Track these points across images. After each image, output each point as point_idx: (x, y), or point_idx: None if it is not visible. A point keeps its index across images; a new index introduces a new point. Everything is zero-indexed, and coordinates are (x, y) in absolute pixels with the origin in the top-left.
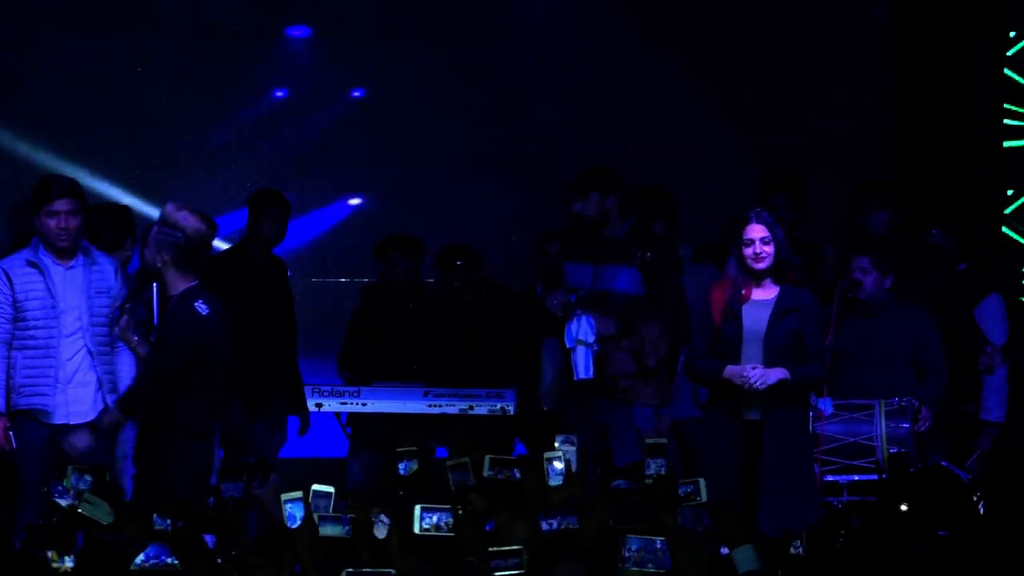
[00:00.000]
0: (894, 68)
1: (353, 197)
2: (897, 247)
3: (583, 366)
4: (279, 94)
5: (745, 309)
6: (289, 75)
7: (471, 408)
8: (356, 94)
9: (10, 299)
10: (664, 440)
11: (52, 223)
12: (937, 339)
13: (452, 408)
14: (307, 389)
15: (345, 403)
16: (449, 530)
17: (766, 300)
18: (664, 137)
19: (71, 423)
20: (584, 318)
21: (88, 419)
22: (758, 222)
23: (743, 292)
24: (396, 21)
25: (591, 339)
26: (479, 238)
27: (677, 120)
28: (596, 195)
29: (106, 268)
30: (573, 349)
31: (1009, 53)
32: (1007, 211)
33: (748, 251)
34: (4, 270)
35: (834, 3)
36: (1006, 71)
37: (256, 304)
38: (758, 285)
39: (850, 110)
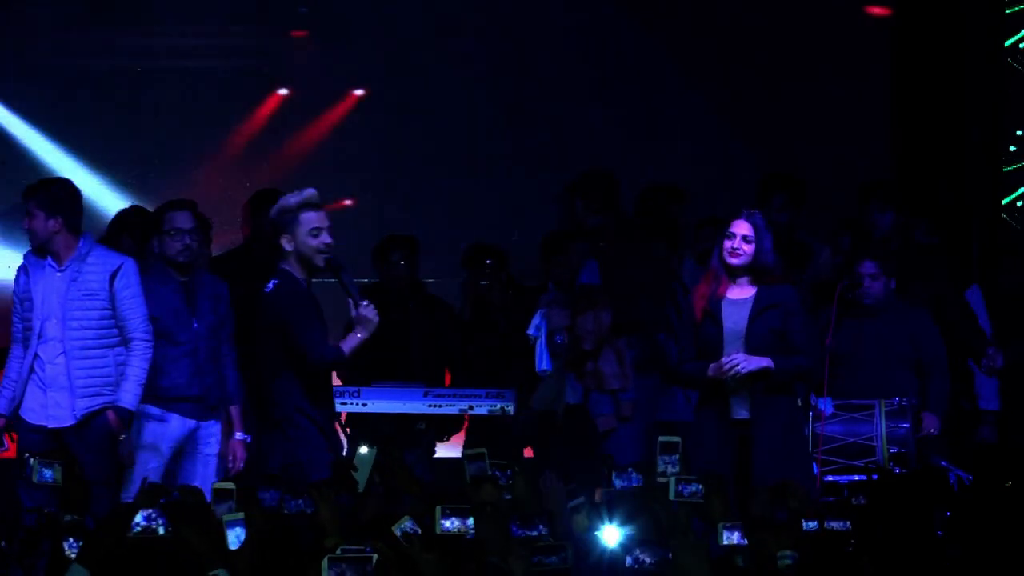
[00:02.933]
0: (894, 68)
1: (353, 197)
2: (899, 248)
3: (538, 358)
4: (279, 94)
5: (724, 309)
6: (289, 75)
7: (471, 408)
8: (356, 94)
9: (18, 299)
10: (677, 439)
11: (45, 224)
12: (939, 340)
13: (452, 408)
14: None
15: (345, 403)
16: (469, 531)
17: (744, 299)
18: (665, 137)
19: (48, 427)
20: (537, 313)
21: (67, 424)
22: (746, 220)
23: (719, 289)
24: (396, 21)
25: (539, 333)
26: (480, 238)
27: (677, 120)
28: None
29: (100, 269)
30: (533, 345)
31: (1007, 43)
32: (1005, 201)
33: (727, 244)
34: (17, 269)
35: (834, 3)
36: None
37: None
38: (735, 283)
39: (850, 110)
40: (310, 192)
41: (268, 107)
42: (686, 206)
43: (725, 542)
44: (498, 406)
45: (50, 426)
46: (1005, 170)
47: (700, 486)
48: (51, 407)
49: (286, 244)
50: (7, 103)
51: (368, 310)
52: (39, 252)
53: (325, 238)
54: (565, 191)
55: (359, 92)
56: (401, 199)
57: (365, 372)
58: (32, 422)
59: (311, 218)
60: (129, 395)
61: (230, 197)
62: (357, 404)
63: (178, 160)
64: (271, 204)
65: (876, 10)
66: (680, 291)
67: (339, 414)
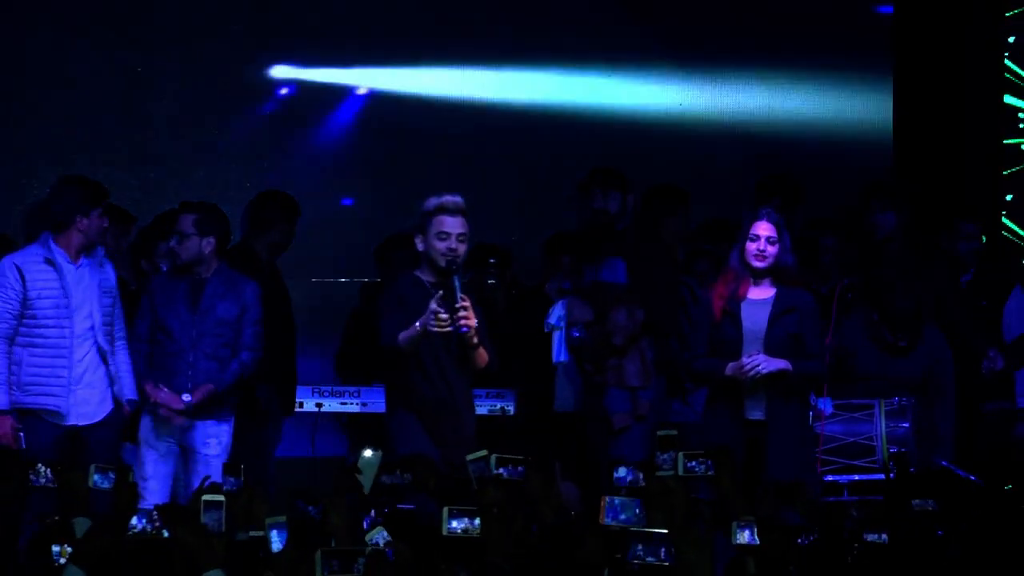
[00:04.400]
0: (896, 67)
1: (353, 197)
2: (899, 248)
3: (556, 349)
4: (279, 94)
5: (744, 309)
6: (289, 74)
7: None
8: (357, 93)
9: (20, 296)
10: (675, 432)
11: (103, 223)
12: (951, 366)
13: None
14: (307, 389)
15: (345, 403)
16: (476, 532)
17: (764, 300)
18: (665, 137)
19: (79, 424)
20: (559, 304)
21: (95, 420)
22: (768, 220)
23: (740, 290)
24: (397, 20)
25: (561, 324)
26: (481, 238)
27: (678, 120)
28: (618, 193)
29: (109, 269)
30: (550, 335)
31: (1010, 40)
32: (1004, 217)
33: (752, 246)
34: (17, 266)
35: (836, 2)
36: (1007, 62)
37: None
38: (756, 283)
39: (850, 110)
40: (449, 198)
41: (269, 107)
42: (687, 207)
43: (737, 541)
44: (498, 406)
45: (81, 424)
46: (1005, 173)
47: (709, 461)
48: (80, 404)
49: (419, 244)
50: (7, 102)
51: (433, 303)
52: (48, 250)
53: (452, 243)
54: (580, 187)
55: (359, 92)
56: (401, 199)
57: (364, 372)
58: (54, 421)
59: (443, 221)
60: (132, 388)
61: (230, 197)
62: (357, 404)
63: (178, 160)
64: (273, 204)
65: (877, 9)
66: (688, 292)
67: (339, 414)
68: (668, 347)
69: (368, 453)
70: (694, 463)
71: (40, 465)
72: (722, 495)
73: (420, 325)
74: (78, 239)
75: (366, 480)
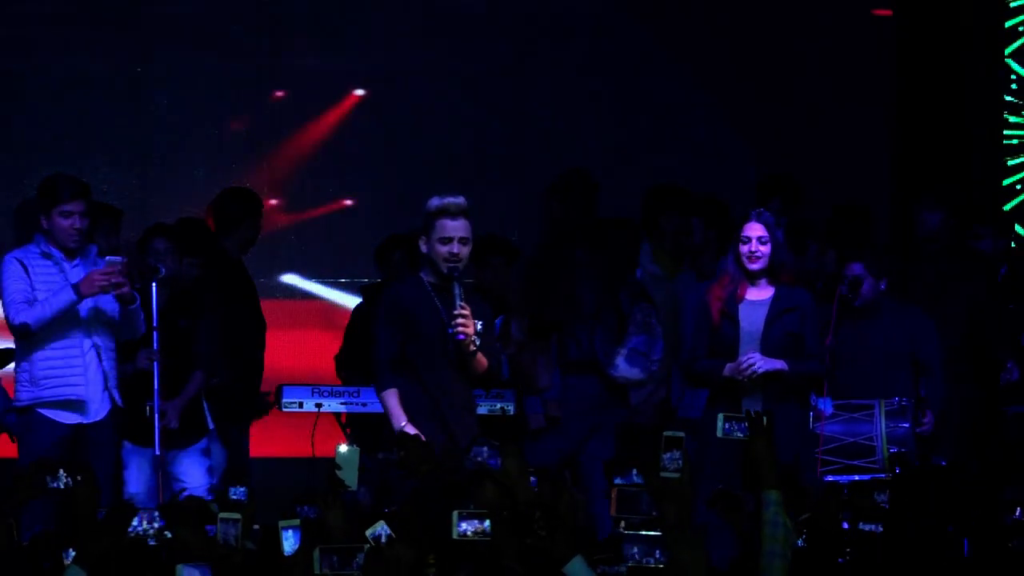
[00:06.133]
0: (896, 67)
1: (353, 197)
2: (941, 248)
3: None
4: (279, 94)
5: (742, 310)
6: (289, 75)
7: None
8: (356, 94)
9: (30, 285)
10: (681, 434)
11: (66, 223)
12: (935, 339)
13: None
14: (307, 389)
15: (345, 403)
16: (486, 536)
17: (762, 300)
18: (664, 137)
19: (84, 422)
20: (499, 319)
21: (98, 418)
22: (758, 221)
23: (738, 291)
24: (396, 21)
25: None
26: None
27: (677, 120)
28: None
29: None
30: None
31: (1008, 50)
32: (1006, 207)
33: (744, 248)
34: (19, 260)
35: (836, 4)
36: (1008, 62)
37: (235, 303)
38: (753, 284)
39: (851, 112)
40: (451, 200)
41: (269, 107)
42: (687, 206)
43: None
44: (498, 406)
45: (87, 422)
46: (1004, 184)
47: (745, 424)
48: (89, 402)
49: (422, 246)
50: (8, 102)
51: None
52: (49, 248)
53: (454, 248)
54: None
55: (359, 92)
56: (401, 199)
57: (364, 372)
58: (63, 420)
59: (444, 225)
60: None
61: None
62: (357, 404)
63: (178, 160)
64: (251, 203)
65: (878, 11)
66: (632, 290)
67: (338, 414)
68: (569, 345)
69: (343, 448)
70: (729, 425)
71: (61, 470)
72: (753, 460)
73: (399, 426)
74: (54, 238)
75: (347, 476)
